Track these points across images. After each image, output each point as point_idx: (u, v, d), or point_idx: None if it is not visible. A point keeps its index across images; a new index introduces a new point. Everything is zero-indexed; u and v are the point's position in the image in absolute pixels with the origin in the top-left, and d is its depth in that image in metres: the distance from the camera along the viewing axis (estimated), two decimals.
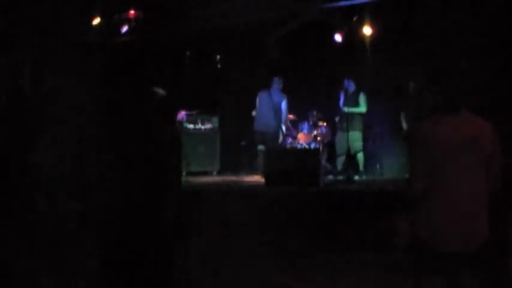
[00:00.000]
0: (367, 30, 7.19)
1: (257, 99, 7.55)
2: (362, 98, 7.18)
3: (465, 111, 2.34)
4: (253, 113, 7.65)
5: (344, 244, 4.78)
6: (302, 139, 7.48)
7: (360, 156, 7.31)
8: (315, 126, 7.57)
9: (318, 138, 7.46)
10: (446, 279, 2.27)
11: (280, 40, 8.14)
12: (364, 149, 7.44)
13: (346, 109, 7.16)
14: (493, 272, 2.26)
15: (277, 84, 7.49)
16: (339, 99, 7.40)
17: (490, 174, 2.31)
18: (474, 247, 2.23)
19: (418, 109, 6.44)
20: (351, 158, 7.29)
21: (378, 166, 7.88)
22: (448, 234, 2.23)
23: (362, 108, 7.18)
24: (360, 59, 7.51)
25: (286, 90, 7.57)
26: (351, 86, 7.29)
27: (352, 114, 7.10)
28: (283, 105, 7.41)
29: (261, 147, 7.45)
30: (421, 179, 2.29)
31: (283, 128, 7.55)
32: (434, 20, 5.76)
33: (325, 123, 7.63)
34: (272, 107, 7.34)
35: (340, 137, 7.40)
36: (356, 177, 7.10)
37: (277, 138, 7.51)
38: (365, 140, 7.55)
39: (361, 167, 7.35)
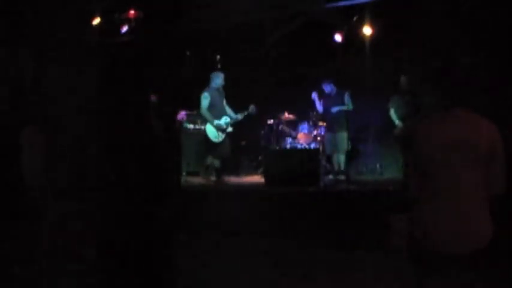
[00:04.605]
0: (367, 30, 7.20)
1: (207, 99, 6.83)
2: (348, 99, 7.12)
3: (462, 110, 2.28)
4: (203, 115, 6.97)
5: (344, 244, 4.78)
6: (302, 139, 7.48)
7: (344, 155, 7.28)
8: (315, 126, 7.56)
9: (318, 138, 7.46)
10: (443, 281, 2.23)
11: (280, 40, 8.14)
12: (353, 148, 7.45)
13: (335, 109, 7.14)
14: (491, 273, 2.20)
15: (221, 79, 7.01)
16: (313, 101, 7.33)
17: (491, 174, 2.22)
18: (471, 248, 2.18)
19: (410, 105, 6.43)
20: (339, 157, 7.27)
21: (377, 166, 7.89)
22: (443, 235, 2.18)
23: (350, 107, 7.11)
24: (360, 59, 7.51)
25: (285, 91, 7.49)
26: (332, 88, 7.21)
27: (338, 115, 7.08)
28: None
29: (210, 160, 7.09)
30: (417, 181, 2.27)
31: None
32: (434, 20, 5.76)
33: (325, 123, 7.62)
34: (225, 104, 7.08)
35: (328, 137, 7.37)
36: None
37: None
38: (355, 140, 7.55)
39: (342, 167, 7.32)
